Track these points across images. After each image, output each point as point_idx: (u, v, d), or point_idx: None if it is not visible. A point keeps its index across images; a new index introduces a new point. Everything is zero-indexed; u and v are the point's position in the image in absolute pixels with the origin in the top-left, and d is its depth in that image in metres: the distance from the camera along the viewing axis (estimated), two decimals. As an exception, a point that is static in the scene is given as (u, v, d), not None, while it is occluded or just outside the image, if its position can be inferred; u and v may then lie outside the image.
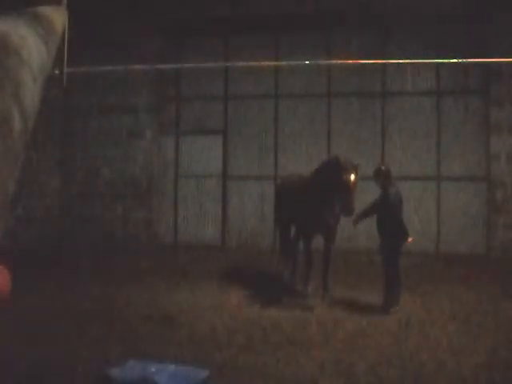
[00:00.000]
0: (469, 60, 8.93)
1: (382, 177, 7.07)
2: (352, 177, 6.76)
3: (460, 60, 8.46)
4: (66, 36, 3.88)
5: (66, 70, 4.49)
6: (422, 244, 11.04)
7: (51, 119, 11.90)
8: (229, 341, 5.69)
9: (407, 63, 10.71)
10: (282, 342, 5.68)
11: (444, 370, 4.92)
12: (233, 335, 5.89)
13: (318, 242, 7.60)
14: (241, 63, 11.22)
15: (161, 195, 12.36)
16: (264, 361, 5.11)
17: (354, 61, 10.04)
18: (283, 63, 11.50)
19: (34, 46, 2.72)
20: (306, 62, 10.84)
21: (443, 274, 9.15)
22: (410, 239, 6.99)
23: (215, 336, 5.88)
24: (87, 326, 6.20)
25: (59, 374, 4.73)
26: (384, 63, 10.96)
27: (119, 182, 12.23)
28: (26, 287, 7.44)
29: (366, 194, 11.04)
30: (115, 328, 6.11)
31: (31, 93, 2.57)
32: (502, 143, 10.68)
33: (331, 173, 6.91)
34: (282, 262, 8.69)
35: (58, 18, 3.31)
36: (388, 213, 6.94)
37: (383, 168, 7.25)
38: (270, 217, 11.69)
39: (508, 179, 10.61)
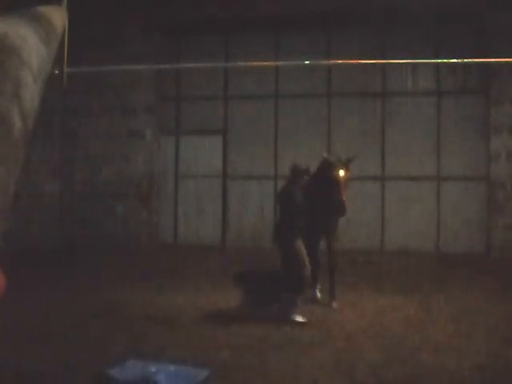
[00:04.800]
0: (469, 60, 8.91)
1: (301, 174, 6.78)
2: (341, 173, 6.80)
3: (460, 60, 8.44)
4: (66, 36, 3.88)
5: (66, 69, 4.49)
6: (421, 244, 11.07)
7: (51, 119, 11.90)
8: (229, 341, 5.68)
9: (407, 63, 10.70)
10: (283, 342, 5.68)
11: (444, 370, 4.92)
12: (233, 335, 5.89)
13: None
14: (241, 63, 11.20)
15: (161, 195, 12.35)
16: (264, 361, 5.11)
17: (354, 61, 10.02)
18: (283, 63, 11.49)
19: (34, 46, 2.72)
20: (306, 62, 10.82)
21: (443, 273, 9.15)
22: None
23: (215, 336, 5.88)
24: (87, 325, 6.20)
25: (59, 374, 4.73)
26: (384, 63, 10.95)
27: (119, 182, 12.21)
28: (25, 287, 7.43)
29: (365, 194, 11.05)
30: (115, 328, 6.11)
31: (31, 93, 2.57)
32: (502, 143, 10.67)
33: (322, 172, 7.05)
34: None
35: (58, 17, 3.31)
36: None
37: (304, 166, 6.85)
38: (270, 217, 11.69)
39: (508, 179, 10.60)
